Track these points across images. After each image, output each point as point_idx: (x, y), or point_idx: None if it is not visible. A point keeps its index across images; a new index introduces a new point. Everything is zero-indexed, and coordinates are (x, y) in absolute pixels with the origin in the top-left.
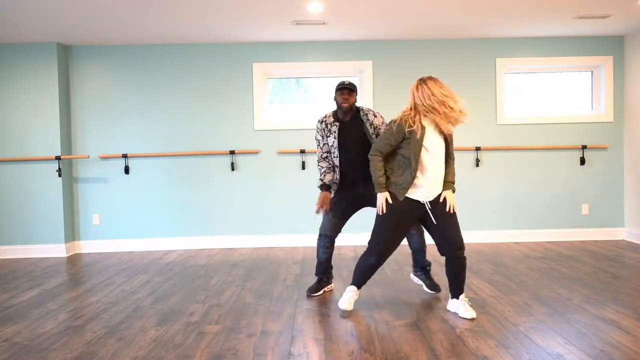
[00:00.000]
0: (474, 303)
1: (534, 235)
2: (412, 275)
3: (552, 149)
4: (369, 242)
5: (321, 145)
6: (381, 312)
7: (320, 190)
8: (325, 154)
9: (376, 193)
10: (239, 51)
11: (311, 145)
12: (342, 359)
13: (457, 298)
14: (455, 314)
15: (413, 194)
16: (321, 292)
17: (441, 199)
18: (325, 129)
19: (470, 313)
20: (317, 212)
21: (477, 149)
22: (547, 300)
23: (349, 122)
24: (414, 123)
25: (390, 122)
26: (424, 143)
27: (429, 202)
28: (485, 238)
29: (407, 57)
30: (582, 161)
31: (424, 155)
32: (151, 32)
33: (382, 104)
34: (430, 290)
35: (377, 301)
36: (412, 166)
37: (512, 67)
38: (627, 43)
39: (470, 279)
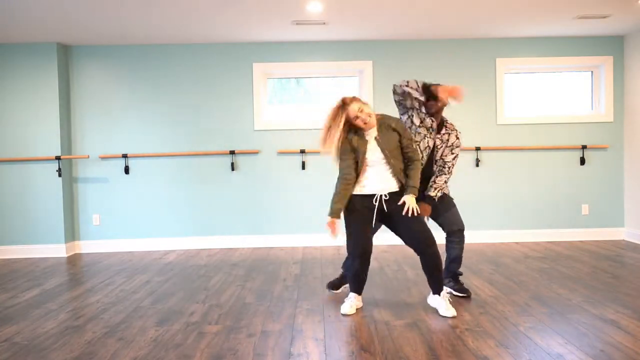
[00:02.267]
0: (474, 303)
1: (534, 235)
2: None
3: (552, 149)
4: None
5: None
6: (381, 312)
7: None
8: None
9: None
10: (239, 51)
11: (311, 145)
12: (342, 359)
13: (439, 294)
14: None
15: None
16: (341, 289)
17: (400, 202)
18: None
19: (451, 311)
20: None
21: (477, 149)
22: (547, 300)
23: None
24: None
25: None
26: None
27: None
28: (485, 238)
29: (407, 57)
30: (582, 161)
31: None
32: (151, 32)
33: (382, 104)
34: (461, 293)
35: (377, 301)
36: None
37: (512, 67)
38: (627, 43)
39: (470, 279)
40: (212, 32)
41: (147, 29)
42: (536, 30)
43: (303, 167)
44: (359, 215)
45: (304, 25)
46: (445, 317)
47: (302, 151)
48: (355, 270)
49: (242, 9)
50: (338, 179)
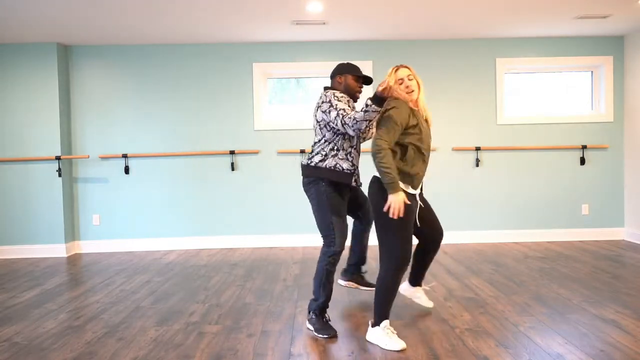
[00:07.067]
0: (474, 303)
1: (534, 235)
2: (340, 281)
3: (552, 149)
4: (390, 255)
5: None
6: None
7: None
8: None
9: (386, 194)
10: (239, 51)
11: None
12: (342, 359)
13: (420, 285)
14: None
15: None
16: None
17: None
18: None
19: (430, 303)
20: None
21: (477, 149)
22: (547, 300)
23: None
24: (417, 107)
25: (389, 108)
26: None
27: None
28: (485, 238)
29: (407, 57)
30: (582, 161)
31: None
32: (151, 32)
33: None
34: (369, 287)
35: None
36: (424, 156)
37: (512, 67)
38: (627, 43)
39: (470, 279)
40: (212, 32)
41: (147, 29)
42: (536, 30)
43: None
44: (412, 216)
45: (303, 25)
46: (427, 307)
47: (302, 151)
48: (397, 285)
49: (242, 9)
50: (382, 150)
